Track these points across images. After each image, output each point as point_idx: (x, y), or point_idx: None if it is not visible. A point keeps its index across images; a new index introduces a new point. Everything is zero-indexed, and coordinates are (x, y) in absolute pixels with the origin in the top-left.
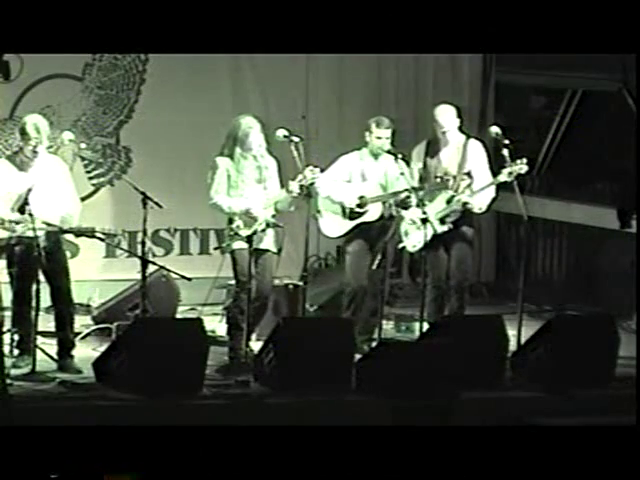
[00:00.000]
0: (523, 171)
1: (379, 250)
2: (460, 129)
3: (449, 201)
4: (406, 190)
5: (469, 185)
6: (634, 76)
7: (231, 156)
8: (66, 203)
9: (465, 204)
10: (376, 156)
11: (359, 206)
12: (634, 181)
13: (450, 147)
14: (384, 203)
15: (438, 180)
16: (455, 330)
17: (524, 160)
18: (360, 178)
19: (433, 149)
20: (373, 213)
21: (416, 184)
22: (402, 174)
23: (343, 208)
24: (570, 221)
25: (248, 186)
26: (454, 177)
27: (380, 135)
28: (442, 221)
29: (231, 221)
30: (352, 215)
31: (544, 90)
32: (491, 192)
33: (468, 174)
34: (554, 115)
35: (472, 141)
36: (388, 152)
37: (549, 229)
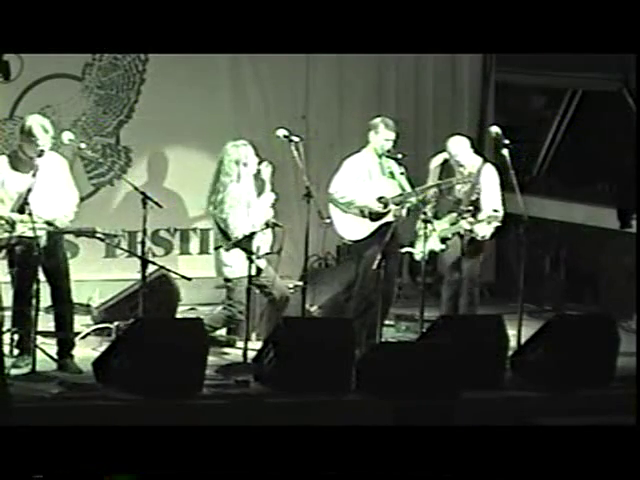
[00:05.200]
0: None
1: (380, 251)
2: (477, 152)
3: (453, 223)
4: (433, 186)
5: (475, 214)
6: (634, 76)
7: (238, 179)
8: (65, 199)
9: (467, 231)
10: (380, 156)
11: (383, 207)
12: (634, 181)
13: (464, 170)
14: (399, 203)
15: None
16: (455, 330)
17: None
18: (368, 177)
19: (448, 170)
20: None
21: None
22: (402, 174)
23: (362, 210)
24: (570, 221)
25: (252, 204)
26: (463, 201)
27: (388, 137)
28: (442, 240)
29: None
30: (373, 216)
31: (544, 90)
32: (496, 222)
33: (477, 200)
34: (554, 115)
35: (487, 166)
36: (388, 152)
37: (549, 229)
